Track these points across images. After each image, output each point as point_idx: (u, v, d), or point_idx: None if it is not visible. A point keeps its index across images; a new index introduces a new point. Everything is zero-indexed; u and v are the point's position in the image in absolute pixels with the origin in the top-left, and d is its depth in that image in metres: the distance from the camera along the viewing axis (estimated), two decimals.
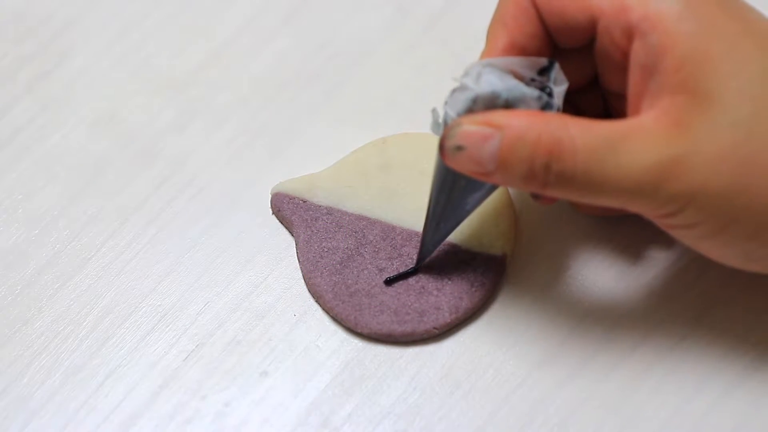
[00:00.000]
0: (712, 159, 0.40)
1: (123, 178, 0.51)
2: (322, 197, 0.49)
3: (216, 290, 0.49)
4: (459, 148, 0.41)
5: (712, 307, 0.47)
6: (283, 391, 0.47)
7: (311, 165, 0.51)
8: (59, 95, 0.53)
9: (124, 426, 0.46)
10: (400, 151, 0.50)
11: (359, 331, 0.47)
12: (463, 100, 0.41)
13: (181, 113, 0.53)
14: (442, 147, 0.41)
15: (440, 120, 0.42)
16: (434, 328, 0.47)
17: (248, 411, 0.47)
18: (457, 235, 0.48)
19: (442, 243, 0.48)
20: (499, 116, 0.41)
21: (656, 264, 0.48)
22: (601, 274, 0.48)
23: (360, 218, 0.49)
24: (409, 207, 0.49)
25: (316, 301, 0.48)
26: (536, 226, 0.49)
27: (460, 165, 0.41)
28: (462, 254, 0.48)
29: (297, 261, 0.49)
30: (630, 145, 0.40)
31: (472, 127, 0.41)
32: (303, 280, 0.49)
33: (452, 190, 0.44)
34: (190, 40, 0.55)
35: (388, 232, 0.49)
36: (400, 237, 0.48)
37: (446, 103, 0.42)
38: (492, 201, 0.49)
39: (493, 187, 0.45)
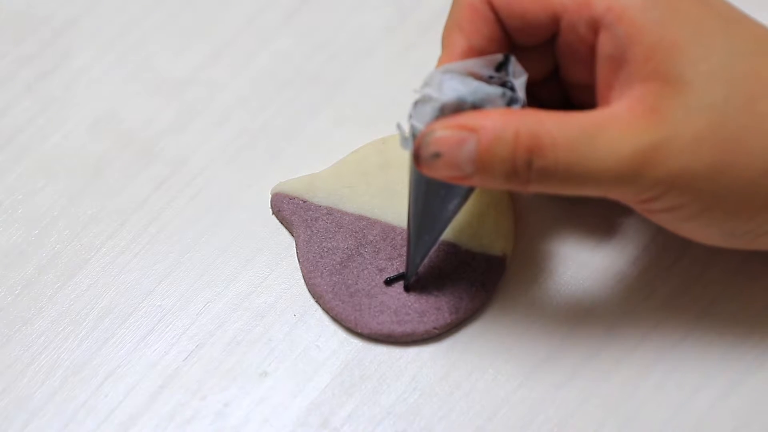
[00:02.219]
0: (690, 142, 0.40)
1: (123, 178, 0.51)
2: (322, 197, 0.49)
3: (216, 290, 0.49)
4: (435, 155, 0.41)
5: (712, 307, 0.47)
6: (283, 391, 0.47)
7: (311, 165, 0.51)
8: (59, 95, 0.53)
9: (124, 426, 0.46)
10: (400, 151, 0.50)
11: (359, 331, 0.47)
12: (429, 111, 0.41)
13: (181, 113, 0.53)
14: (417, 157, 0.41)
15: (407, 135, 0.42)
16: (434, 328, 0.47)
17: (248, 411, 0.47)
18: (457, 235, 0.48)
19: (442, 243, 0.48)
20: (472, 118, 0.41)
21: (656, 264, 0.48)
22: (601, 274, 0.48)
23: (360, 218, 0.49)
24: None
25: (316, 301, 0.48)
26: (536, 226, 0.49)
27: (438, 172, 0.41)
28: (462, 254, 0.48)
29: (297, 261, 0.49)
30: (607, 134, 0.40)
31: (446, 132, 0.41)
32: (303, 280, 0.49)
33: (431, 200, 0.44)
34: (190, 40, 0.55)
35: (388, 232, 0.49)
36: (400, 237, 0.48)
37: (411, 116, 0.42)
38: (492, 201, 0.49)
39: (471, 191, 0.45)
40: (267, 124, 0.52)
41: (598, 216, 0.49)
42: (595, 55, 0.43)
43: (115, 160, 0.52)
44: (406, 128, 0.42)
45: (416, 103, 0.42)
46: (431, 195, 0.44)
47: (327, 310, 0.48)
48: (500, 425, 0.46)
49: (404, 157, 0.50)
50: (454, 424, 0.46)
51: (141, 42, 0.55)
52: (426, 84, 0.42)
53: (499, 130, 0.40)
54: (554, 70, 0.46)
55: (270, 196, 0.50)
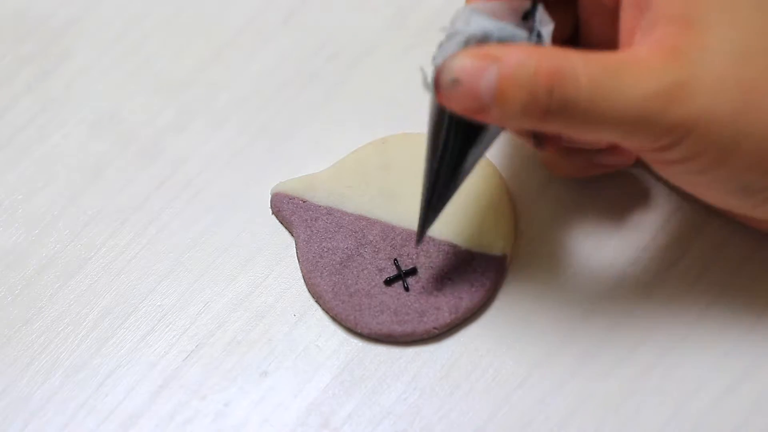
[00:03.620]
0: (712, 83, 0.40)
1: (123, 178, 0.51)
2: (322, 197, 0.49)
3: (216, 290, 0.49)
4: (455, 82, 0.40)
5: (712, 307, 0.47)
6: (283, 391, 0.47)
7: (311, 165, 0.51)
8: (59, 95, 0.53)
9: (124, 426, 0.46)
10: (400, 151, 0.50)
11: (359, 331, 0.47)
12: (455, 44, 0.40)
13: (181, 113, 0.53)
14: (437, 83, 0.40)
15: (429, 80, 0.41)
16: (434, 328, 0.47)
17: (248, 411, 0.47)
18: (457, 235, 0.48)
19: (442, 243, 0.48)
20: (496, 48, 0.40)
21: (656, 264, 0.48)
22: (601, 274, 0.48)
23: (360, 218, 0.49)
24: (409, 207, 0.49)
25: (316, 301, 0.48)
26: (536, 226, 0.49)
27: (456, 101, 0.40)
28: (462, 254, 0.48)
29: (297, 261, 0.49)
30: (630, 72, 0.40)
31: (468, 60, 0.40)
32: (303, 280, 0.49)
33: (449, 143, 0.43)
34: (190, 40, 0.55)
35: (388, 232, 0.49)
36: (400, 237, 0.48)
37: (434, 58, 0.41)
38: (492, 201, 0.49)
39: (491, 141, 0.43)
40: (267, 124, 0.52)
41: (598, 216, 0.49)
42: (618, 6, 0.42)
43: (115, 160, 0.52)
44: (429, 73, 0.41)
45: (441, 44, 0.41)
46: (450, 137, 0.43)
47: (327, 310, 0.48)
48: (500, 425, 0.46)
49: (404, 158, 0.50)
50: (454, 424, 0.46)
51: (141, 42, 0.55)
52: (453, 21, 0.41)
53: (524, 58, 0.40)
54: (574, 33, 0.46)
55: (270, 196, 0.50)
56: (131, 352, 0.48)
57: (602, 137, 0.41)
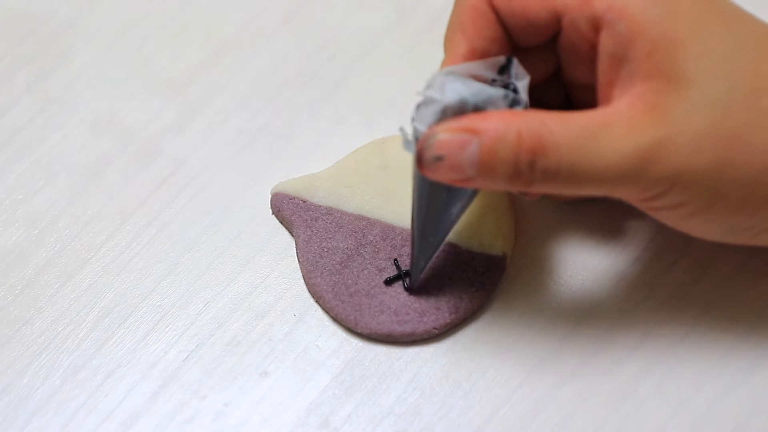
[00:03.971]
0: (693, 139, 0.40)
1: (123, 178, 0.51)
2: (322, 197, 0.49)
3: (216, 290, 0.49)
4: (438, 158, 0.41)
5: (712, 307, 0.47)
6: (283, 391, 0.47)
7: (311, 165, 0.51)
8: (59, 95, 0.53)
9: (124, 426, 0.46)
10: (400, 151, 0.50)
11: (359, 331, 0.47)
12: (431, 113, 0.41)
13: (181, 113, 0.53)
14: (420, 159, 0.41)
15: (410, 138, 0.42)
16: (434, 328, 0.47)
17: (248, 411, 0.47)
18: (457, 235, 0.48)
19: (443, 243, 0.48)
20: (474, 120, 0.41)
21: (656, 264, 0.48)
22: (601, 274, 0.48)
23: (360, 218, 0.49)
24: (409, 207, 0.49)
25: (316, 301, 0.48)
26: (536, 226, 0.49)
27: (441, 175, 0.41)
28: (462, 254, 0.48)
29: (297, 261, 0.49)
30: (610, 133, 0.40)
31: (448, 135, 0.41)
32: (303, 280, 0.49)
33: (434, 203, 0.44)
34: (190, 40, 0.55)
35: (388, 232, 0.49)
36: (400, 237, 0.48)
37: (413, 119, 0.42)
38: (492, 201, 0.49)
39: (475, 193, 0.45)
40: (267, 124, 0.52)
41: (598, 216, 0.49)
42: (596, 53, 0.43)
43: (115, 160, 0.52)
44: (409, 131, 0.42)
45: (419, 106, 0.42)
46: (435, 197, 0.44)
47: (327, 310, 0.48)
48: (500, 425, 0.46)
49: (404, 158, 0.50)
50: (454, 424, 0.46)
51: (141, 42, 0.55)
52: (428, 86, 0.42)
53: (502, 131, 0.40)
54: (556, 71, 0.46)
55: (270, 196, 0.50)
56: (131, 352, 0.48)
57: (588, 194, 0.42)
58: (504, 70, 0.43)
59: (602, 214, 0.49)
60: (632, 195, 0.41)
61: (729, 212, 0.41)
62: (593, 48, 0.43)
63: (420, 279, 0.47)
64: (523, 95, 0.42)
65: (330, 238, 0.49)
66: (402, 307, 0.47)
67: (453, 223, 0.45)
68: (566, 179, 0.41)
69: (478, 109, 0.41)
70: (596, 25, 0.42)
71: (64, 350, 0.48)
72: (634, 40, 0.41)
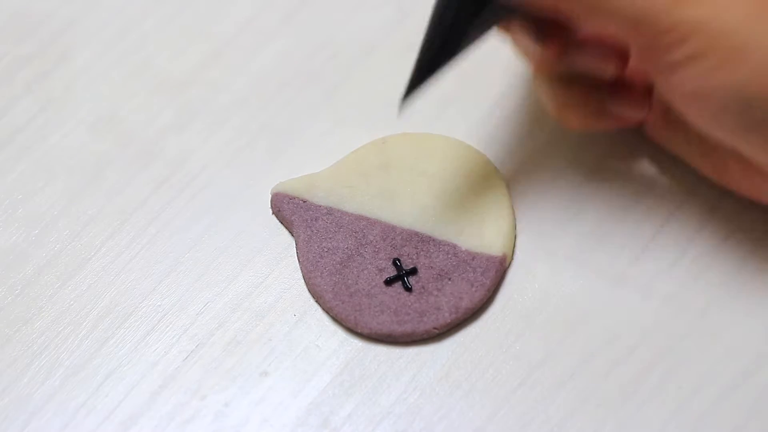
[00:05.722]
0: None
1: (123, 178, 0.51)
2: (322, 197, 0.49)
3: (216, 290, 0.49)
4: None
5: (712, 307, 0.47)
6: (283, 391, 0.47)
7: (311, 165, 0.51)
8: (59, 95, 0.53)
9: (124, 426, 0.46)
10: (400, 151, 0.50)
11: (359, 331, 0.47)
12: None
13: (181, 113, 0.53)
14: None
15: None
16: (434, 328, 0.47)
17: (248, 411, 0.47)
18: (457, 235, 0.48)
19: (442, 243, 0.48)
20: None
21: (656, 264, 0.48)
22: (601, 274, 0.48)
23: (360, 218, 0.49)
24: (409, 207, 0.49)
25: (316, 301, 0.48)
26: (536, 226, 0.49)
27: None
28: (462, 254, 0.48)
29: (297, 261, 0.49)
30: None
31: None
32: (303, 280, 0.49)
33: (455, 20, 0.43)
34: (190, 40, 0.55)
35: (388, 232, 0.49)
36: (400, 237, 0.48)
37: None
38: (492, 201, 0.49)
39: (495, 19, 0.43)
40: (267, 124, 0.52)
41: (597, 216, 0.49)
42: None
43: (115, 160, 0.52)
44: None
45: None
46: (457, 17, 0.42)
47: (327, 310, 0.48)
48: (500, 425, 0.46)
49: (404, 158, 0.50)
50: (454, 424, 0.46)
51: (141, 42, 0.55)
52: None
53: None
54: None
55: (270, 196, 0.50)
56: (131, 352, 0.48)
57: (608, 25, 0.41)
58: None
59: (602, 214, 0.49)
60: (651, 37, 0.40)
61: (748, 78, 0.40)
62: None
63: (419, 278, 0.47)
64: None
65: (330, 238, 0.49)
66: (402, 307, 0.47)
67: (465, 45, 0.43)
68: None
69: None
70: None
71: (64, 350, 0.48)
72: None
